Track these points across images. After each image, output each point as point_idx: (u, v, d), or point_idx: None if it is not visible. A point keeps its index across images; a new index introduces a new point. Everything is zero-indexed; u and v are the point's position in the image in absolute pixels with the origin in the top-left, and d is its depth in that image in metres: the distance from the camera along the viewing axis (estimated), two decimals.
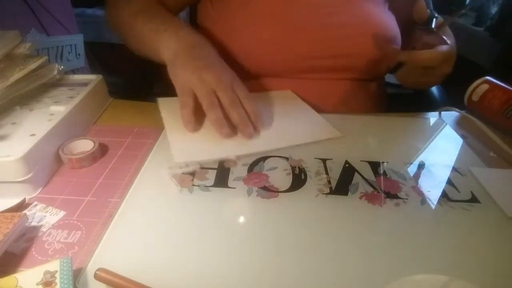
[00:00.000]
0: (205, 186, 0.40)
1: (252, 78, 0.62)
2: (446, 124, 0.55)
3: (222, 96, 0.45)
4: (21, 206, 0.38)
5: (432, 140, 0.52)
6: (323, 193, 0.39)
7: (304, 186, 0.40)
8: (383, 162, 0.44)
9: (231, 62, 0.51)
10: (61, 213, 0.37)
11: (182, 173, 0.42)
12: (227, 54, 0.59)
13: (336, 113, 0.56)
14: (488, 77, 0.59)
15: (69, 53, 0.94)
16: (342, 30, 0.58)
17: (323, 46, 0.59)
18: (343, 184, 0.41)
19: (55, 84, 0.57)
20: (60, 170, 0.44)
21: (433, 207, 0.38)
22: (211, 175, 0.42)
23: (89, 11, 1.77)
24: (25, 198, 0.39)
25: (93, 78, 0.59)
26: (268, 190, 0.39)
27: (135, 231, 0.34)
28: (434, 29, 0.51)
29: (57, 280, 0.28)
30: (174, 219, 0.36)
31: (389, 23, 0.61)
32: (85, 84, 0.57)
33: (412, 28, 0.55)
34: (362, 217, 0.36)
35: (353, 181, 0.41)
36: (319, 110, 0.55)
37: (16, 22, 0.87)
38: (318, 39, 0.58)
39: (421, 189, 0.40)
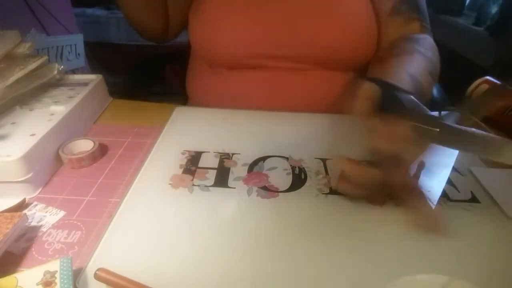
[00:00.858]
0: (205, 186, 0.40)
1: (227, 70, 0.61)
2: None
3: None
4: (21, 206, 0.38)
5: None
6: (323, 193, 0.39)
7: (304, 186, 0.40)
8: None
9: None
10: (61, 213, 0.37)
11: (182, 173, 0.42)
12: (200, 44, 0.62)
13: (335, 113, 0.56)
14: (488, 77, 0.59)
15: (69, 53, 0.94)
16: (305, 19, 0.56)
17: (284, 33, 0.56)
18: None
19: (55, 84, 0.57)
20: (60, 170, 0.44)
21: (433, 207, 0.38)
22: (211, 175, 0.42)
23: (89, 11, 1.77)
24: (25, 198, 0.39)
25: (93, 78, 0.59)
26: (268, 190, 0.39)
27: (135, 231, 0.34)
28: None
29: (57, 280, 0.28)
30: (174, 219, 0.36)
31: (357, 7, 0.57)
32: (85, 84, 0.57)
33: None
34: (362, 217, 0.36)
35: None
36: (303, 103, 0.54)
37: (16, 22, 0.87)
38: (277, 25, 0.56)
39: (421, 189, 0.40)
